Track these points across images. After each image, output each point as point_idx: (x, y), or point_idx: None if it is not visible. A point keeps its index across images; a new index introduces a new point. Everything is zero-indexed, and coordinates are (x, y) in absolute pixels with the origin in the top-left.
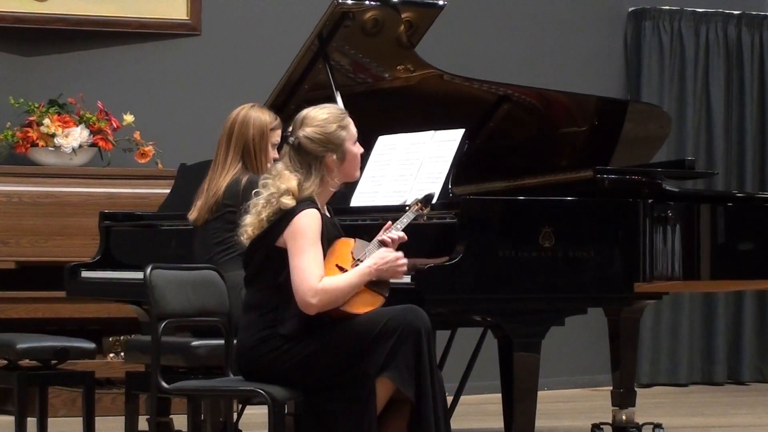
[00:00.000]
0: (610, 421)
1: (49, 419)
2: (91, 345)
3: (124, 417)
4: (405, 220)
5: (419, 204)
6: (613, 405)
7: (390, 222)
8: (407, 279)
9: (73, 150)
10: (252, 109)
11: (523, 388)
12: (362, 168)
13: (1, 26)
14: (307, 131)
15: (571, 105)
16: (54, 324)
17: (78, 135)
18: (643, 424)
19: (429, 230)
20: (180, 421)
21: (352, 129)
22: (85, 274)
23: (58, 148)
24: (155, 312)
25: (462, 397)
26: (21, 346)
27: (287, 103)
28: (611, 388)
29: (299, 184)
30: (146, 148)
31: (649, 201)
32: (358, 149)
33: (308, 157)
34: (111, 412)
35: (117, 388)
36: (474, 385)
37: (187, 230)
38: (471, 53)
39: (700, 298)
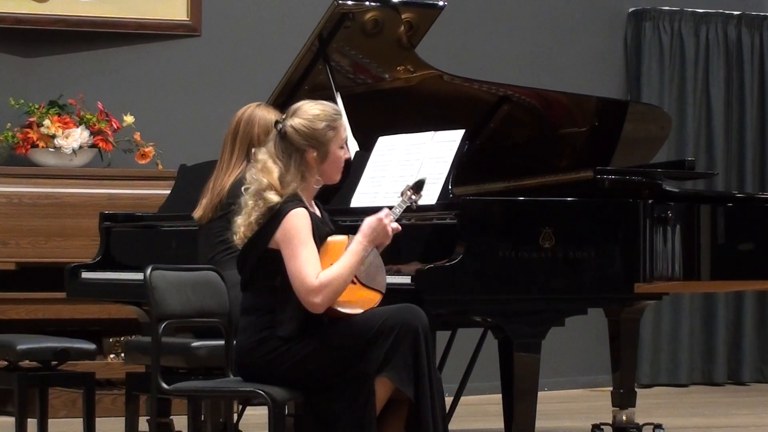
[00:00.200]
0: (611, 422)
1: (50, 420)
2: (92, 346)
3: (124, 418)
4: (398, 211)
5: (410, 191)
6: (613, 405)
7: (387, 210)
8: (407, 279)
9: (74, 151)
10: (258, 108)
11: (524, 388)
12: (363, 168)
13: (1, 27)
14: (295, 122)
15: (571, 105)
16: (54, 325)
17: (78, 136)
18: (644, 425)
19: (429, 231)
20: (180, 421)
21: (342, 132)
22: (85, 275)
23: (58, 149)
24: (155, 313)
25: (462, 398)
26: (21, 347)
27: (287, 104)
28: (611, 388)
29: (280, 177)
30: (146, 149)
31: (650, 201)
32: (344, 153)
33: (290, 147)
34: (111, 413)
35: (117, 389)
36: (474, 386)
37: (187, 231)
38: (471, 54)
39: (701, 299)
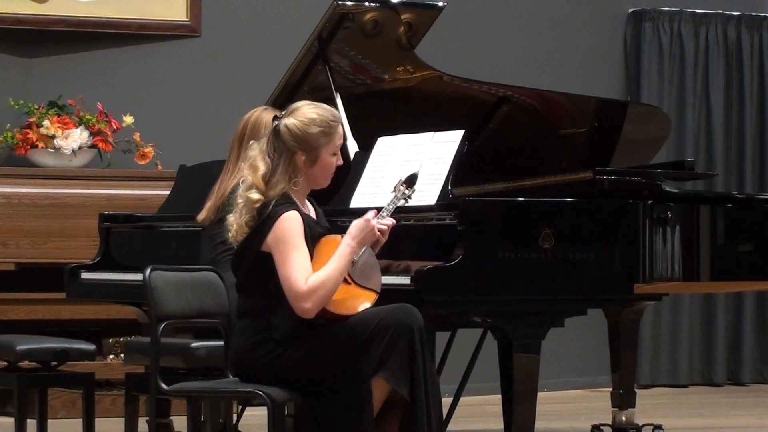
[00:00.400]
0: (610, 423)
1: (49, 421)
2: (91, 346)
3: (123, 418)
4: (391, 206)
5: (403, 185)
6: (612, 406)
7: (375, 211)
8: (407, 280)
9: (73, 151)
10: (265, 112)
11: (523, 389)
12: (362, 169)
13: (0, 27)
14: (290, 122)
15: (571, 106)
16: (54, 325)
17: (78, 136)
18: (643, 425)
19: (429, 231)
20: (180, 422)
21: (337, 140)
22: (84, 275)
23: (57, 149)
24: (155, 313)
25: (462, 398)
26: (21, 347)
27: (287, 105)
28: (611, 389)
29: (266, 176)
30: (146, 150)
31: (649, 202)
32: (336, 160)
33: (281, 146)
34: (111, 413)
35: (117, 389)
36: (474, 387)
37: (186, 232)
38: (471, 54)
39: (700, 299)
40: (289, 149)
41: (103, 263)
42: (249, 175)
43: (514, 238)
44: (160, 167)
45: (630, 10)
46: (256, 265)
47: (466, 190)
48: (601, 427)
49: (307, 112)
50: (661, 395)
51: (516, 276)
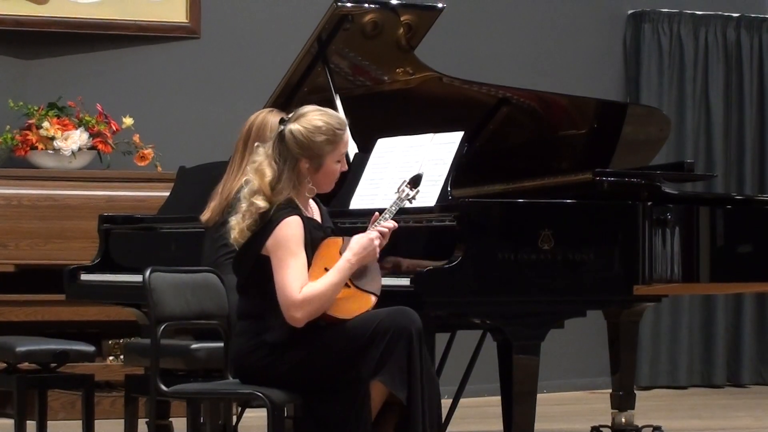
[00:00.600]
0: (610, 424)
1: (49, 422)
2: (91, 348)
3: (123, 420)
4: (394, 208)
5: (407, 186)
6: (612, 407)
7: (377, 213)
8: (406, 281)
9: (73, 153)
10: (270, 114)
11: (523, 390)
12: (362, 170)
13: (0, 29)
14: (295, 128)
15: (571, 108)
16: (53, 327)
17: (77, 138)
18: (643, 427)
19: (428, 233)
20: (180, 423)
21: (342, 147)
22: (84, 277)
23: (57, 151)
24: (154, 315)
25: (461, 400)
26: (20, 349)
27: (287, 106)
28: (611, 390)
29: (272, 183)
30: (145, 151)
31: (649, 203)
32: (340, 167)
33: (286, 152)
34: (110, 415)
35: (116, 391)
36: (473, 388)
37: (186, 233)
38: (470, 56)
39: (700, 301)
40: (294, 155)
41: (103, 265)
42: (255, 180)
43: (514, 240)
44: (159, 169)
45: (629, 12)
46: (256, 268)
47: (466, 192)
48: (601, 429)
49: (313, 119)
50: (660, 396)
51: (515, 277)
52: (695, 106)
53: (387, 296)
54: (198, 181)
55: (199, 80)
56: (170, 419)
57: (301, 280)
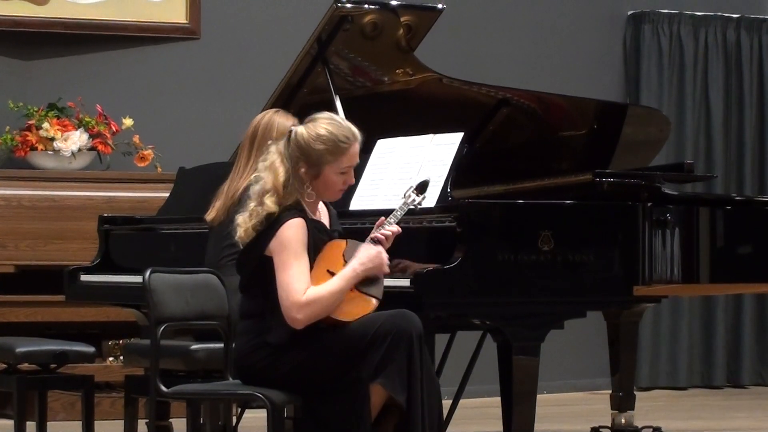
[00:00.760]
0: (610, 425)
1: (49, 423)
2: (91, 349)
3: (123, 421)
4: (399, 213)
5: (414, 192)
6: (612, 408)
7: (383, 218)
8: (406, 282)
9: (73, 154)
10: (276, 115)
11: (523, 391)
12: (362, 171)
13: (0, 30)
14: (300, 131)
15: (571, 108)
16: (53, 328)
17: (77, 139)
18: (643, 428)
19: (428, 234)
20: (179, 424)
21: (346, 160)
22: (84, 277)
23: (57, 151)
24: (154, 316)
25: (461, 401)
26: (20, 350)
27: (286, 107)
28: (610, 391)
29: (285, 182)
30: (145, 152)
31: (649, 204)
32: (344, 180)
33: (291, 153)
34: (110, 415)
35: (116, 391)
36: (473, 389)
37: (186, 234)
38: (470, 57)
39: (700, 302)
40: (295, 158)
41: (103, 265)
42: (269, 179)
43: (514, 240)
44: (159, 169)
45: (629, 13)
46: (259, 268)
47: (466, 193)
48: (601, 430)
49: (319, 126)
50: (660, 397)
51: (515, 278)
52: (695, 107)
53: (387, 297)
54: (198, 182)
55: (198, 81)
56: (170, 420)
57: (304, 283)
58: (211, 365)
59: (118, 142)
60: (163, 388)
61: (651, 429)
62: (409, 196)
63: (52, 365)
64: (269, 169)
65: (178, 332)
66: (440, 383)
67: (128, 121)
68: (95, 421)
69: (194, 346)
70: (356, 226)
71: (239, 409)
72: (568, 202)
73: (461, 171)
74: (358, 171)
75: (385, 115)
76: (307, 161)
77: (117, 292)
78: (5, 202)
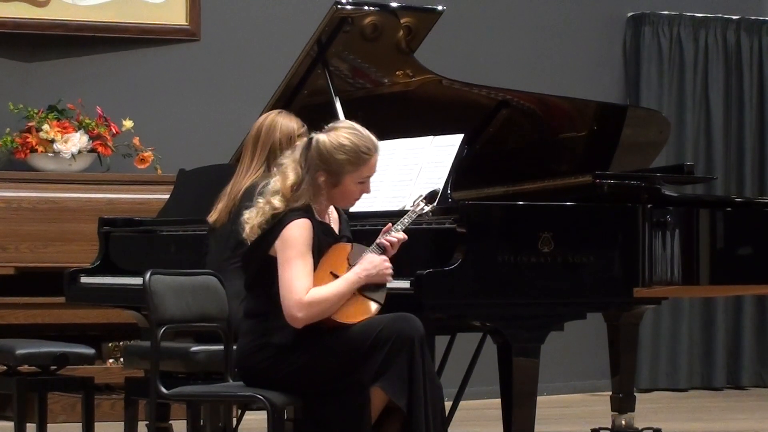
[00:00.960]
0: (610, 426)
1: (49, 425)
2: (91, 351)
3: (123, 423)
4: (407, 220)
5: (424, 201)
6: (612, 410)
7: (390, 224)
8: (406, 284)
9: (73, 156)
10: (279, 115)
11: (523, 393)
12: None
13: (0, 32)
14: (322, 139)
15: (571, 110)
16: (53, 330)
17: (77, 141)
18: (643, 429)
19: (428, 235)
20: (180, 426)
21: (366, 170)
22: (84, 279)
23: (57, 153)
24: (154, 318)
25: (461, 402)
26: (20, 351)
27: (286, 109)
28: (611, 393)
29: (293, 187)
30: (145, 154)
31: (649, 206)
32: (361, 189)
33: (309, 159)
34: (110, 417)
35: (116, 393)
36: (473, 390)
37: (186, 236)
38: (470, 58)
39: (700, 303)
40: (314, 165)
41: (103, 267)
42: (279, 182)
43: (514, 242)
44: (159, 171)
45: (629, 14)
46: (263, 268)
47: (466, 194)
48: (601, 431)
49: (341, 135)
50: (660, 399)
51: (515, 280)
52: (695, 109)
53: (387, 298)
54: (198, 184)
55: (198, 83)
56: (170, 422)
57: (306, 282)
58: (212, 367)
59: (118, 144)
60: (164, 390)
61: (651, 430)
62: (418, 204)
63: (52, 367)
64: (280, 174)
65: (178, 334)
66: (441, 388)
67: (128, 123)
68: (95, 423)
69: (194, 348)
70: (356, 228)
71: (239, 411)
72: (568, 203)
73: (461, 172)
74: None
75: (385, 117)
76: (327, 170)
77: (117, 294)
78: (5, 204)
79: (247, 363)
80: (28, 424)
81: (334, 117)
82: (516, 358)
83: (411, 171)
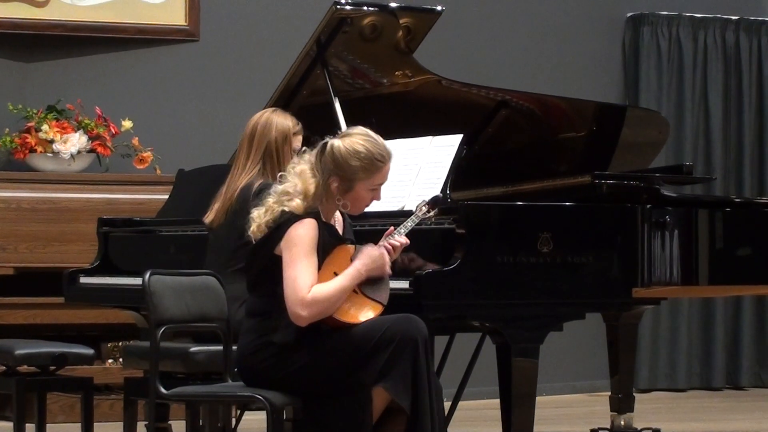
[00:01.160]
0: (609, 427)
1: (48, 425)
2: (90, 351)
3: (122, 423)
4: (409, 224)
5: (426, 206)
6: (611, 410)
7: (392, 228)
8: (405, 284)
9: (72, 156)
10: (274, 114)
11: (522, 393)
12: None
13: None
14: (336, 145)
15: (570, 110)
16: (52, 330)
17: (76, 141)
18: (642, 430)
19: (427, 235)
20: (179, 426)
21: (378, 178)
22: (83, 279)
23: (56, 154)
24: (154, 318)
25: (460, 403)
26: (19, 352)
27: (285, 109)
28: (610, 393)
29: (309, 191)
30: (144, 154)
31: (648, 206)
32: (371, 195)
33: (323, 164)
34: (109, 418)
35: (115, 393)
36: (472, 391)
37: (185, 236)
38: (469, 59)
39: (699, 304)
40: (328, 170)
41: (102, 268)
42: (298, 184)
43: (513, 242)
44: (158, 171)
45: (628, 15)
46: (267, 267)
47: (465, 194)
48: (600, 431)
49: (356, 142)
50: (659, 399)
51: (514, 280)
52: (694, 109)
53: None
54: (197, 184)
55: (198, 83)
56: (169, 422)
57: (310, 280)
58: (211, 367)
59: (118, 144)
60: (163, 390)
61: (650, 431)
62: (421, 209)
63: (52, 367)
64: (299, 176)
65: (177, 334)
66: (441, 389)
67: (127, 123)
68: (94, 423)
69: (194, 349)
70: (355, 228)
71: (238, 411)
72: (568, 203)
73: (460, 173)
74: None
75: (385, 117)
76: (340, 176)
77: (116, 294)
78: (4, 204)
79: (247, 362)
80: (27, 425)
81: (334, 117)
82: (515, 359)
83: (410, 171)
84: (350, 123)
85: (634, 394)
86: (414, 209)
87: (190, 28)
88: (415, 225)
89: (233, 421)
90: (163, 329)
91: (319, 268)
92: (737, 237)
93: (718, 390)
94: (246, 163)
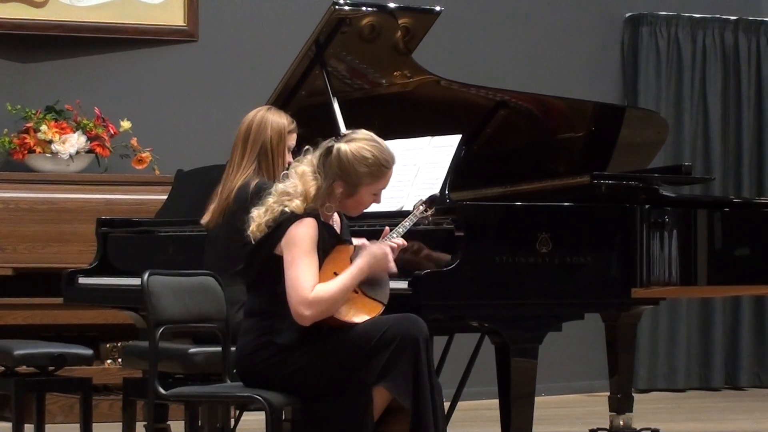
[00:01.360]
0: (608, 427)
1: (47, 426)
2: (89, 351)
3: (121, 423)
4: (407, 224)
5: (423, 206)
6: (610, 411)
7: (387, 228)
8: (404, 284)
9: (70, 156)
10: (269, 112)
11: (521, 393)
12: None
13: None
14: (343, 150)
15: (568, 111)
16: (51, 330)
17: (75, 141)
18: (641, 430)
19: (426, 236)
20: (178, 427)
21: (382, 183)
22: (82, 280)
23: (55, 154)
24: (152, 318)
25: (459, 403)
26: (18, 352)
27: (284, 109)
28: (608, 393)
29: (310, 193)
30: (143, 155)
31: (646, 206)
32: (373, 199)
33: (327, 168)
34: (108, 418)
35: (114, 394)
36: (471, 391)
37: (184, 236)
38: (468, 59)
39: (698, 304)
40: (332, 174)
41: (101, 268)
42: (299, 185)
43: (512, 243)
44: (157, 172)
45: (627, 15)
46: (267, 267)
47: (464, 195)
48: None
49: (363, 148)
50: (658, 399)
51: (513, 280)
52: (693, 109)
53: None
54: (196, 185)
55: (197, 83)
56: (168, 422)
57: (313, 280)
58: (210, 368)
59: (116, 145)
60: (162, 391)
61: (649, 431)
62: (418, 208)
63: (50, 368)
64: (301, 177)
65: (176, 335)
66: (441, 389)
67: (126, 124)
68: (93, 424)
69: (192, 349)
70: (353, 229)
71: (237, 412)
72: (566, 204)
73: (459, 173)
74: None
75: (383, 118)
76: (345, 180)
77: (115, 294)
78: (3, 204)
79: (247, 362)
80: (26, 425)
81: (332, 118)
82: (514, 359)
83: (409, 171)
84: (349, 123)
85: (633, 394)
86: (411, 209)
87: (188, 29)
88: (413, 225)
89: (232, 421)
90: (161, 329)
91: (319, 268)
92: (736, 237)
93: (717, 390)
94: (241, 163)
